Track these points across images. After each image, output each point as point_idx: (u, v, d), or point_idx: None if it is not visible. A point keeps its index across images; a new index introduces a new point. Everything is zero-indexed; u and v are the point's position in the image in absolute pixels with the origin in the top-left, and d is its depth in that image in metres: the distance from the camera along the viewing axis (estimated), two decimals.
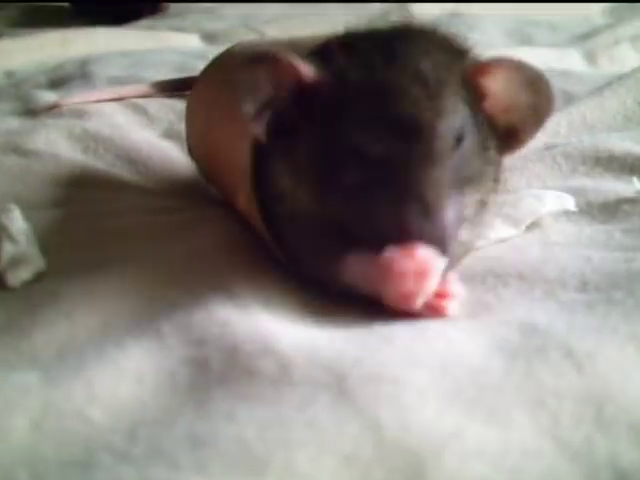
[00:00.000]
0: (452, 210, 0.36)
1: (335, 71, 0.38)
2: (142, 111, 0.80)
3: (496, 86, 0.40)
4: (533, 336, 0.34)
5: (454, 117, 0.37)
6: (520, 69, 0.40)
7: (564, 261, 0.42)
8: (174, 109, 0.79)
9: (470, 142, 0.38)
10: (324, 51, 0.40)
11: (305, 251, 0.40)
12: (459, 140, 0.37)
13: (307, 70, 0.39)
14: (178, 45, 1.17)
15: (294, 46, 0.45)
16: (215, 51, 1.06)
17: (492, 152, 0.40)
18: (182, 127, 0.64)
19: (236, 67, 0.51)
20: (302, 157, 0.39)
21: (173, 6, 1.54)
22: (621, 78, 0.73)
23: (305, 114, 0.39)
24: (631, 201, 0.50)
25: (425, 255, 0.35)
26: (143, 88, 0.83)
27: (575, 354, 0.32)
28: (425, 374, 0.31)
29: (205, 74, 0.60)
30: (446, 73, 0.38)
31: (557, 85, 0.78)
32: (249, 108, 0.39)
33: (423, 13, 1.31)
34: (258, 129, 0.39)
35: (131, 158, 0.68)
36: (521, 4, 1.43)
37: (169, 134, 0.75)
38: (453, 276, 0.38)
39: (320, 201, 0.38)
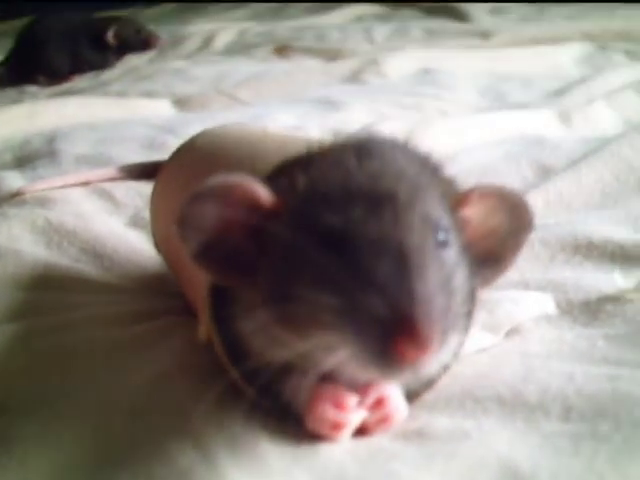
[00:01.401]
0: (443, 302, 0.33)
1: (303, 180, 0.36)
2: (108, 197, 0.78)
3: (476, 216, 0.38)
4: None
5: (434, 209, 0.35)
6: (501, 197, 0.39)
7: (546, 380, 0.40)
8: (141, 194, 0.77)
9: (454, 252, 0.35)
10: (284, 169, 0.38)
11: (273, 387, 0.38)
12: (443, 243, 0.35)
13: (266, 194, 0.36)
14: (148, 114, 1.15)
15: (251, 165, 0.42)
16: (187, 120, 1.06)
17: (474, 282, 0.38)
18: (148, 214, 0.62)
19: (197, 172, 0.49)
20: (265, 294, 0.36)
21: (144, 69, 1.53)
22: (597, 151, 0.72)
23: (263, 246, 0.36)
24: (613, 300, 0.49)
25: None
26: (110, 172, 0.81)
27: None
28: None
29: (167, 167, 0.58)
30: (426, 181, 0.36)
31: (532, 156, 0.78)
32: (191, 246, 0.36)
33: (394, 71, 1.31)
34: (203, 268, 0.37)
35: (96, 252, 0.66)
36: (492, 54, 1.43)
37: (136, 222, 0.73)
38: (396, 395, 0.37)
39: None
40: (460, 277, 0.35)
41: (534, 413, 0.38)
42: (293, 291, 0.34)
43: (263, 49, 1.65)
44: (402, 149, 0.38)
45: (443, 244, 0.35)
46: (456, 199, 0.38)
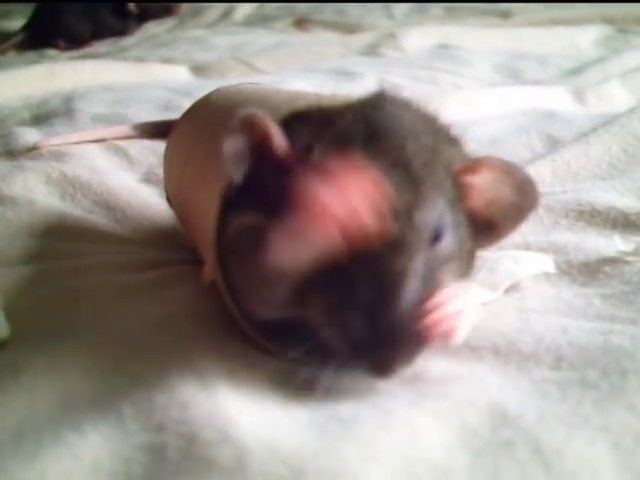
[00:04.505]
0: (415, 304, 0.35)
1: (310, 148, 0.36)
2: (123, 154, 0.79)
3: (481, 184, 0.40)
4: (502, 427, 0.32)
5: (433, 212, 0.36)
6: (507, 172, 0.40)
7: (540, 332, 0.41)
8: (155, 152, 0.78)
9: (447, 244, 0.37)
10: (300, 121, 0.39)
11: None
12: (435, 239, 0.36)
13: (281, 140, 0.37)
14: (166, 78, 1.16)
15: (272, 106, 0.43)
16: (203, 85, 1.07)
17: (469, 248, 0.39)
18: (162, 171, 0.64)
19: (212, 125, 0.50)
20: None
21: (164, 36, 1.54)
22: (606, 123, 0.73)
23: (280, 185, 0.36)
24: (611, 261, 0.49)
25: None
26: (125, 130, 0.82)
27: (544, 451, 0.31)
28: (385, 472, 0.30)
29: (181, 122, 0.59)
30: (431, 161, 0.37)
31: (542, 129, 0.79)
32: (233, 174, 0.37)
33: (412, 46, 1.31)
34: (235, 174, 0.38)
35: (109, 205, 0.68)
36: (510, 32, 1.43)
37: (149, 178, 0.74)
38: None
39: None
40: (452, 262, 0.37)
41: (526, 362, 0.39)
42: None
43: (282, 22, 1.66)
44: (412, 115, 0.39)
45: (437, 238, 0.36)
46: (463, 165, 0.39)
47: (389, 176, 0.35)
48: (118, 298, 0.48)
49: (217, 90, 0.60)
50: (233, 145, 0.37)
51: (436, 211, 0.36)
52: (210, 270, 0.41)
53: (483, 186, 0.40)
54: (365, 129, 0.37)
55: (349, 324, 0.34)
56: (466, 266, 0.41)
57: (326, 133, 0.37)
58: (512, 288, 0.47)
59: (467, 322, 0.38)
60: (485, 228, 0.41)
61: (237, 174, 0.38)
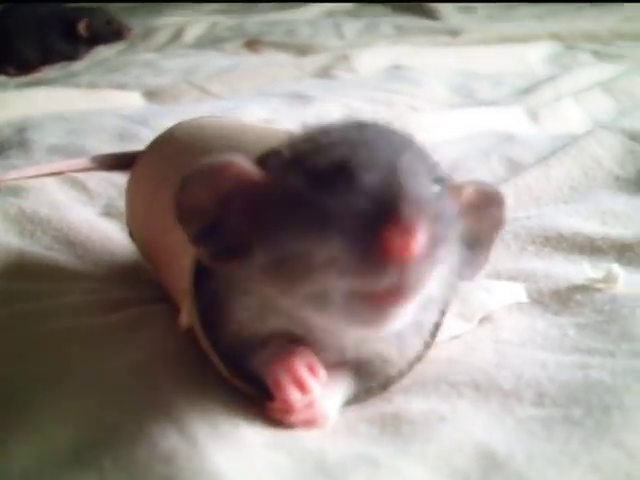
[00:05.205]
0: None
1: (291, 152, 0.36)
2: (81, 187, 0.78)
3: (464, 209, 0.38)
4: (493, 471, 0.32)
5: (433, 190, 0.35)
6: (482, 191, 0.39)
7: (519, 367, 0.41)
8: (114, 184, 0.77)
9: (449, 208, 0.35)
10: (270, 152, 0.39)
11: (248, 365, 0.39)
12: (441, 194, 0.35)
13: (254, 169, 0.37)
14: (119, 105, 1.14)
15: (239, 148, 0.43)
16: (158, 112, 1.06)
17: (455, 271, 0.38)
18: (122, 204, 0.62)
19: (180, 164, 0.49)
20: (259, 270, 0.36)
21: (115, 60, 1.53)
22: (565, 146, 0.73)
23: (256, 224, 0.36)
24: (582, 289, 0.50)
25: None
26: (83, 162, 0.81)
27: None
28: None
29: (145, 157, 0.58)
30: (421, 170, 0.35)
31: (502, 152, 0.79)
32: (192, 232, 0.36)
33: (365, 67, 1.32)
34: (203, 253, 0.37)
35: (70, 240, 0.66)
36: (462, 52, 1.44)
37: (109, 212, 0.73)
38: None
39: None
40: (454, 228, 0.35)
41: (508, 398, 0.39)
42: (289, 244, 0.34)
43: (233, 43, 1.65)
44: (393, 131, 0.38)
45: (440, 194, 0.35)
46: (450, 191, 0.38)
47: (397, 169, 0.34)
48: (87, 343, 0.47)
49: (179, 125, 0.60)
50: (195, 196, 0.36)
51: (436, 191, 0.35)
52: (187, 317, 0.41)
53: (464, 211, 0.38)
54: (353, 141, 0.35)
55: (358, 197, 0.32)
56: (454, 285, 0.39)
57: (312, 149, 0.36)
58: (485, 319, 0.48)
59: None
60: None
61: (193, 225, 0.37)
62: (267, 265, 0.35)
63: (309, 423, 0.37)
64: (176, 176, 0.49)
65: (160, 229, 0.49)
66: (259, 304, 0.37)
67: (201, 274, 0.39)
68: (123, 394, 0.40)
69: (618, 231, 0.57)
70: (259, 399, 0.38)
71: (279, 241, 0.34)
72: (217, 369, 0.40)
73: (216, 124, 0.56)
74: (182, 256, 0.42)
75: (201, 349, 0.41)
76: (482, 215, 0.39)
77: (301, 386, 0.36)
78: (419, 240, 0.31)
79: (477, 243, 0.40)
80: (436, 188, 0.35)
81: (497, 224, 0.40)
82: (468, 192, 0.39)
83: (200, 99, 1.19)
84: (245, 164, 0.37)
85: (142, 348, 0.44)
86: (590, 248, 0.56)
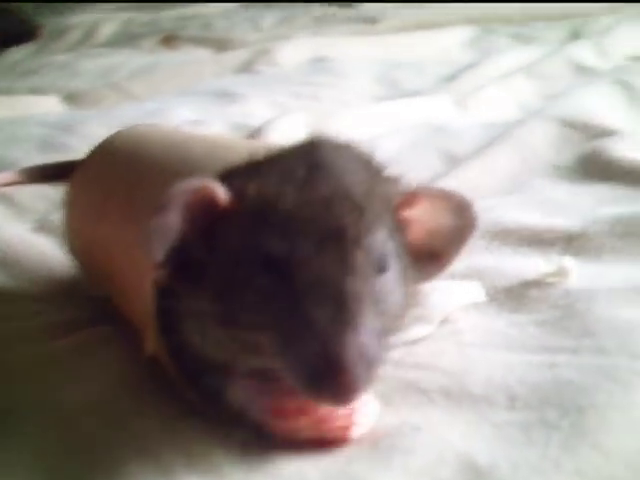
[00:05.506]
0: (372, 331, 0.34)
1: (252, 190, 0.36)
2: (10, 202, 0.75)
3: (421, 215, 0.39)
4: None
5: (378, 241, 0.36)
6: (443, 199, 0.40)
7: (486, 370, 0.41)
8: (46, 197, 0.74)
9: (392, 275, 0.36)
10: (235, 173, 0.38)
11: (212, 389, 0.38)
12: (381, 269, 0.36)
13: (224, 194, 0.36)
14: (39, 111, 1.11)
15: (188, 162, 0.42)
16: (81, 118, 1.03)
17: (411, 284, 0.39)
18: (57, 218, 0.60)
19: (128, 178, 0.48)
20: (209, 295, 0.36)
21: (28, 63, 1.48)
22: (500, 136, 0.74)
23: (212, 246, 0.36)
24: (535, 285, 0.50)
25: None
26: (10, 175, 0.78)
27: None
28: None
29: (84, 169, 0.56)
30: (371, 193, 0.36)
31: (438, 145, 0.80)
32: (157, 254, 0.36)
33: (287, 60, 1.31)
34: (163, 272, 0.36)
35: (2, 260, 0.64)
36: (381, 40, 1.44)
37: (42, 226, 0.70)
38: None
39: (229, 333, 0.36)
40: (396, 295, 0.37)
41: (480, 404, 0.39)
42: (235, 302, 0.35)
43: (149, 40, 1.62)
44: (349, 155, 0.39)
45: (382, 269, 0.36)
46: (401, 200, 0.39)
47: (334, 205, 0.35)
48: (34, 375, 0.45)
49: (118, 134, 0.58)
50: (168, 218, 0.36)
51: (380, 240, 0.36)
52: (151, 344, 0.39)
53: (422, 218, 0.40)
54: (303, 169, 0.36)
55: (305, 353, 0.33)
56: (410, 300, 0.40)
57: (269, 197, 0.36)
58: (445, 321, 0.48)
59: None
60: (429, 259, 0.41)
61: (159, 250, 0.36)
62: (215, 301, 0.36)
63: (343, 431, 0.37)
64: (125, 190, 0.48)
65: (114, 246, 0.47)
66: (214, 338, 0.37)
67: (163, 295, 0.38)
68: (92, 428, 0.38)
69: (563, 221, 0.58)
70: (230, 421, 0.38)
71: (228, 290, 0.35)
72: (184, 393, 0.39)
73: (158, 134, 0.55)
74: (143, 277, 0.40)
75: (166, 373, 0.40)
76: (448, 220, 0.40)
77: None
78: (358, 392, 0.32)
79: (443, 245, 0.40)
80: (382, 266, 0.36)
81: (466, 230, 0.40)
82: (427, 198, 0.39)
83: (122, 101, 1.17)
84: (215, 186, 0.36)
85: (103, 376, 0.43)
86: (537, 240, 0.56)
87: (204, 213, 0.36)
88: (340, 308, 0.33)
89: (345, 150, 0.40)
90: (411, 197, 0.39)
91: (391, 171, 0.42)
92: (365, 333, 0.33)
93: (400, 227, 0.39)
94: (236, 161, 0.39)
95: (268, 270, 0.34)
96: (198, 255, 0.36)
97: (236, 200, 0.36)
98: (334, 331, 0.32)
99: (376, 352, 0.34)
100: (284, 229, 0.34)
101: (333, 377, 0.32)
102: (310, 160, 0.37)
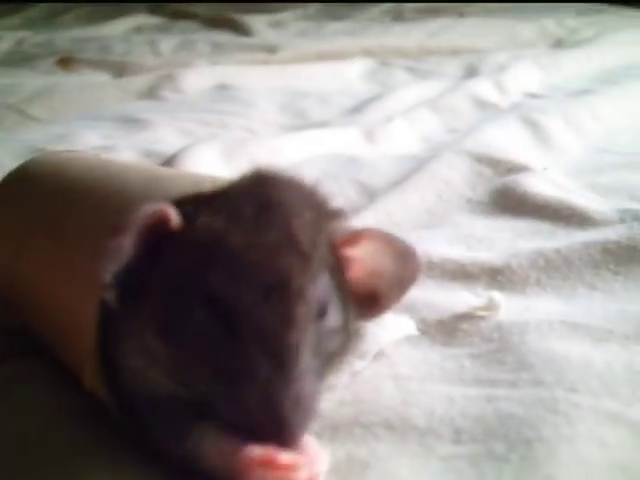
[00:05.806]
0: (310, 381, 0.34)
1: (202, 223, 0.36)
2: None
3: (362, 256, 0.40)
4: None
5: (320, 289, 0.36)
6: (387, 242, 0.41)
7: (427, 403, 0.42)
8: None
9: (333, 316, 0.37)
10: (183, 203, 0.38)
11: (161, 428, 0.37)
12: (321, 314, 0.36)
13: (176, 216, 0.37)
14: None
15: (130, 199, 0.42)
16: None
17: (351, 321, 0.39)
18: None
19: (53, 207, 0.47)
20: (150, 321, 0.36)
21: None
22: (416, 171, 0.75)
23: (157, 268, 0.36)
24: (466, 318, 0.51)
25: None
26: None
27: None
28: None
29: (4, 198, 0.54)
30: (316, 237, 0.37)
31: (351, 176, 0.81)
32: (107, 275, 0.35)
33: (191, 87, 1.30)
34: (110, 294, 0.36)
35: None
36: (283, 69, 1.45)
37: None
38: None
39: (170, 371, 0.36)
40: (336, 334, 0.38)
41: (425, 437, 0.39)
42: (175, 331, 0.35)
43: (45, 61, 1.57)
44: (296, 193, 0.39)
45: (323, 313, 0.36)
46: (344, 238, 0.39)
47: (280, 254, 0.35)
48: None
49: (32, 161, 0.57)
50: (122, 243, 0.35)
51: (323, 286, 0.37)
52: (90, 380, 0.38)
53: (364, 257, 0.40)
54: (252, 208, 0.37)
55: (246, 404, 0.33)
56: (350, 338, 0.40)
57: (218, 211, 0.37)
58: (379, 354, 0.48)
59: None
60: (369, 300, 0.41)
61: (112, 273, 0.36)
62: (154, 324, 0.36)
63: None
64: (50, 223, 0.46)
65: (39, 283, 0.46)
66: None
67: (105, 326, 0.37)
68: (30, 469, 0.37)
69: (484, 255, 0.60)
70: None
71: (166, 310, 0.36)
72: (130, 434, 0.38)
73: (83, 162, 0.54)
74: (76, 315, 0.40)
75: (104, 407, 0.39)
76: (390, 264, 0.41)
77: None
78: (296, 443, 0.33)
79: (383, 288, 0.41)
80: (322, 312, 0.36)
81: (408, 279, 0.42)
82: (370, 239, 0.40)
83: (20, 124, 1.13)
84: (171, 211, 0.37)
85: (39, 415, 0.41)
86: (462, 274, 0.58)
87: (155, 235, 0.36)
88: (280, 361, 0.34)
89: (292, 187, 0.40)
90: (355, 236, 0.40)
91: (333, 205, 0.42)
92: (302, 380, 0.34)
93: (342, 265, 0.39)
94: (180, 192, 0.39)
95: (210, 306, 0.35)
96: (143, 277, 0.36)
97: (186, 227, 0.36)
98: (272, 384, 0.33)
99: (314, 395, 0.34)
100: (230, 271, 0.35)
101: (271, 429, 0.33)
102: (259, 199, 0.37)
